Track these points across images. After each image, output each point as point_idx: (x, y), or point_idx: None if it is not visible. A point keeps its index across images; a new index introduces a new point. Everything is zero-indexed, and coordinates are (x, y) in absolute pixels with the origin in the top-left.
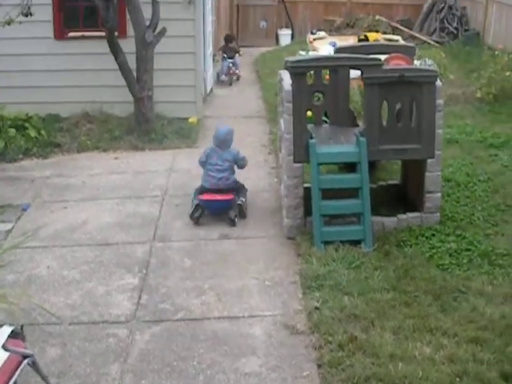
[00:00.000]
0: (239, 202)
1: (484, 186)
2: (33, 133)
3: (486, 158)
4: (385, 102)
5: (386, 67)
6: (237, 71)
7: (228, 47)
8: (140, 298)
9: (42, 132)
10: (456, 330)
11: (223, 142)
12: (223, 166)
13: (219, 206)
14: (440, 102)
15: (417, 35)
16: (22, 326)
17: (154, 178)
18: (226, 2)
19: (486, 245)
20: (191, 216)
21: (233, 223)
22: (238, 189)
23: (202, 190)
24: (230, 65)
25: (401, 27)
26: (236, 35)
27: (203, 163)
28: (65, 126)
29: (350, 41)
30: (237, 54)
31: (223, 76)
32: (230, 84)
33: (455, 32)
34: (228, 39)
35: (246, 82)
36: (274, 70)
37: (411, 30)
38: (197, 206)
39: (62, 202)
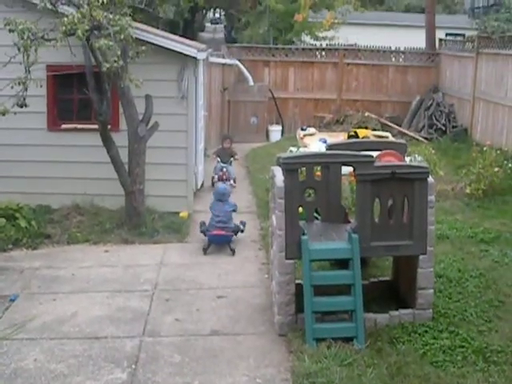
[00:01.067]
0: (242, 228)
1: (476, 281)
2: (23, 223)
3: (477, 254)
4: (377, 198)
5: (378, 164)
6: (231, 181)
7: (223, 149)
8: None
9: (33, 222)
10: None
11: (222, 195)
12: (225, 217)
13: (222, 239)
14: (432, 198)
15: (406, 132)
16: None
17: (145, 272)
18: (217, 98)
19: (479, 341)
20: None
21: (233, 252)
22: (236, 228)
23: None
24: (224, 169)
25: (390, 124)
26: (227, 131)
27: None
28: (55, 218)
29: (340, 137)
30: (231, 159)
31: (218, 183)
32: None
33: (443, 128)
34: (223, 139)
35: (236, 177)
36: (265, 165)
37: (400, 126)
38: (207, 241)
39: (51, 293)
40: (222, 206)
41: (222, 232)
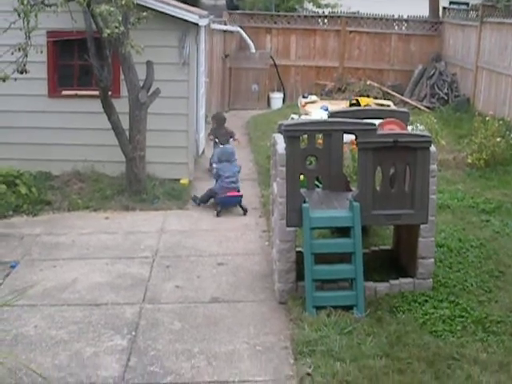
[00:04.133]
0: None
1: (476, 251)
2: (23, 190)
3: (477, 224)
4: (378, 166)
5: (380, 132)
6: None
7: (219, 130)
8: (129, 360)
9: (33, 189)
10: None
11: (231, 154)
12: (234, 177)
13: (237, 200)
14: (434, 167)
15: (407, 100)
16: None
17: (145, 239)
18: (218, 65)
19: (479, 311)
20: (217, 213)
21: (245, 212)
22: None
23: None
24: None
25: (392, 92)
26: (228, 98)
27: (219, 176)
28: (56, 184)
29: (342, 105)
30: (231, 139)
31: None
32: None
33: (446, 98)
34: (217, 120)
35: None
36: (266, 132)
37: (402, 95)
38: (218, 204)
39: (51, 260)
40: (231, 167)
41: (237, 193)
